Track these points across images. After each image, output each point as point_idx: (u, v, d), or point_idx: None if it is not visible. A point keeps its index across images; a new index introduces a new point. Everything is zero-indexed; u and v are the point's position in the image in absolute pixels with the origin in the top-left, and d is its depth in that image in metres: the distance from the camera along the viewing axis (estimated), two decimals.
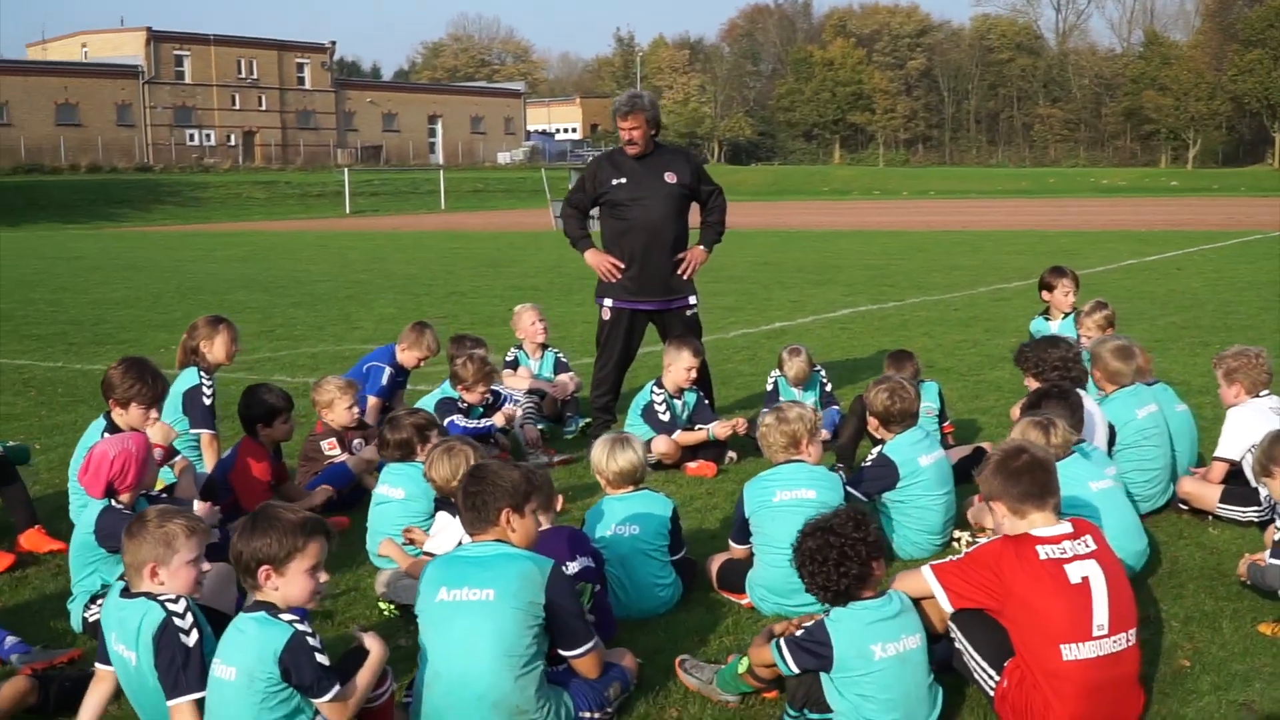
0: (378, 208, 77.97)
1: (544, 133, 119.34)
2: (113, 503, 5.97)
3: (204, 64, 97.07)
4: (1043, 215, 54.46)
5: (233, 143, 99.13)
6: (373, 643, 4.60)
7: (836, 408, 10.00)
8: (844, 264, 29.45)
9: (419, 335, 10.01)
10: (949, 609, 4.88)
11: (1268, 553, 6.01)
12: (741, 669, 5.07)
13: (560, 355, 11.18)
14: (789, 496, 6.19)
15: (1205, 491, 7.57)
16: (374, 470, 8.26)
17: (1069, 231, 41.87)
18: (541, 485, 5.16)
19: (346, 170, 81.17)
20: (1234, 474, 7.59)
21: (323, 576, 4.49)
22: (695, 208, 10.20)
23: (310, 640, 4.31)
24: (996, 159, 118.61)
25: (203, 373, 8.12)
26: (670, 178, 9.56)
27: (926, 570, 4.94)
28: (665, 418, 9.13)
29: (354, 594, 6.66)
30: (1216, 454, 7.69)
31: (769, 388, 10.10)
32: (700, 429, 9.19)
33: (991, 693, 4.85)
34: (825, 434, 9.44)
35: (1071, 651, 4.63)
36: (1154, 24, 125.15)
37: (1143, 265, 26.73)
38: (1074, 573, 4.70)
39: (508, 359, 11.18)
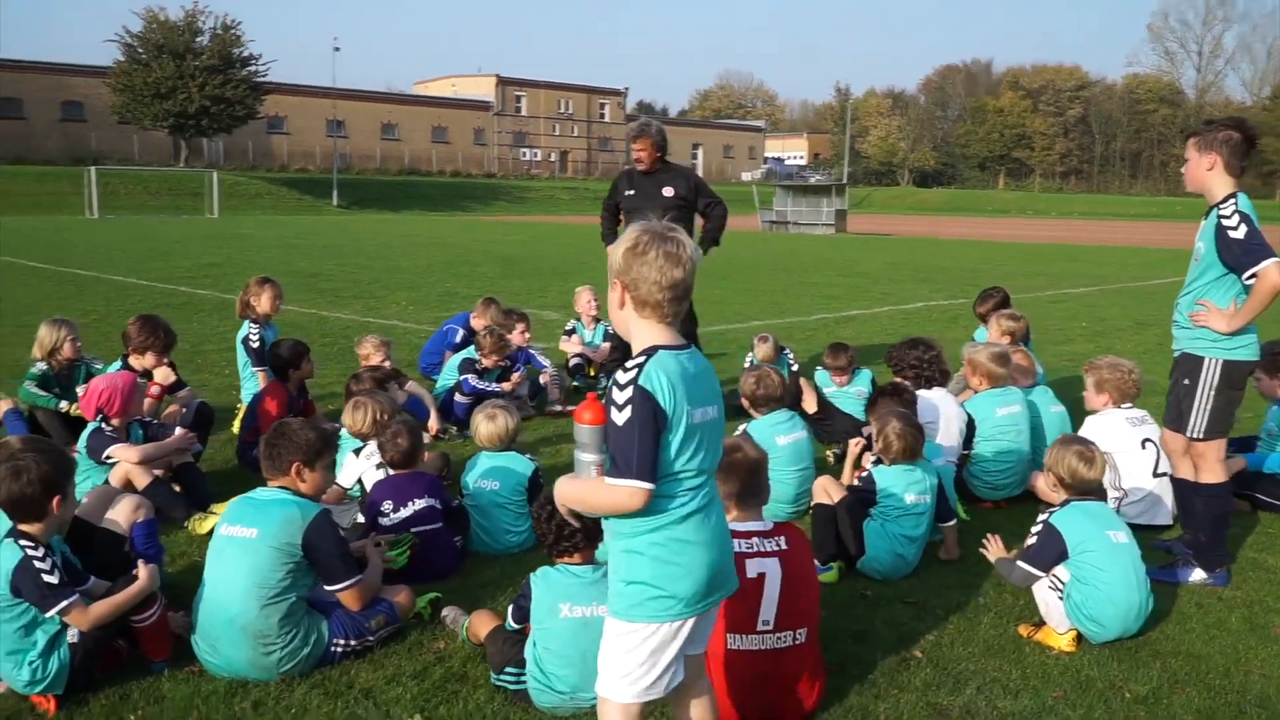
0: None
1: (777, 159, 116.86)
2: (103, 425, 5.59)
3: (535, 102, 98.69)
4: (1153, 235, 49.67)
5: (552, 159, 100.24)
6: (141, 572, 4.01)
7: None
8: (952, 266, 27.35)
9: (485, 307, 9.45)
10: None
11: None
12: (462, 635, 4.32)
13: (609, 327, 10.35)
14: None
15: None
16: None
17: (1161, 248, 37.87)
18: (329, 445, 4.42)
19: None
20: None
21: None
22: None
23: (37, 563, 3.73)
24: (1136, 189, 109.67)
25: (252, 323, 7.66)
26: (668, 191, 8.55)
27: None
28: None
29: None
30: None
31: (745, 365, 9.04)
32: None
33: None
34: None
35: (736, 641, 3.66)
36: None
37: None
38: (751, 568, 3.69)
39: (567, 328, 10.50)
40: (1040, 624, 4.56)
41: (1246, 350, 4.96)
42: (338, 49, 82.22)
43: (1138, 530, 5.85)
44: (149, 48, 64.67)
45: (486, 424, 5.53)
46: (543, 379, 8.88)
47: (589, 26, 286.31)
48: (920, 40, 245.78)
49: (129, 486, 5.44)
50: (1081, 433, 6.16)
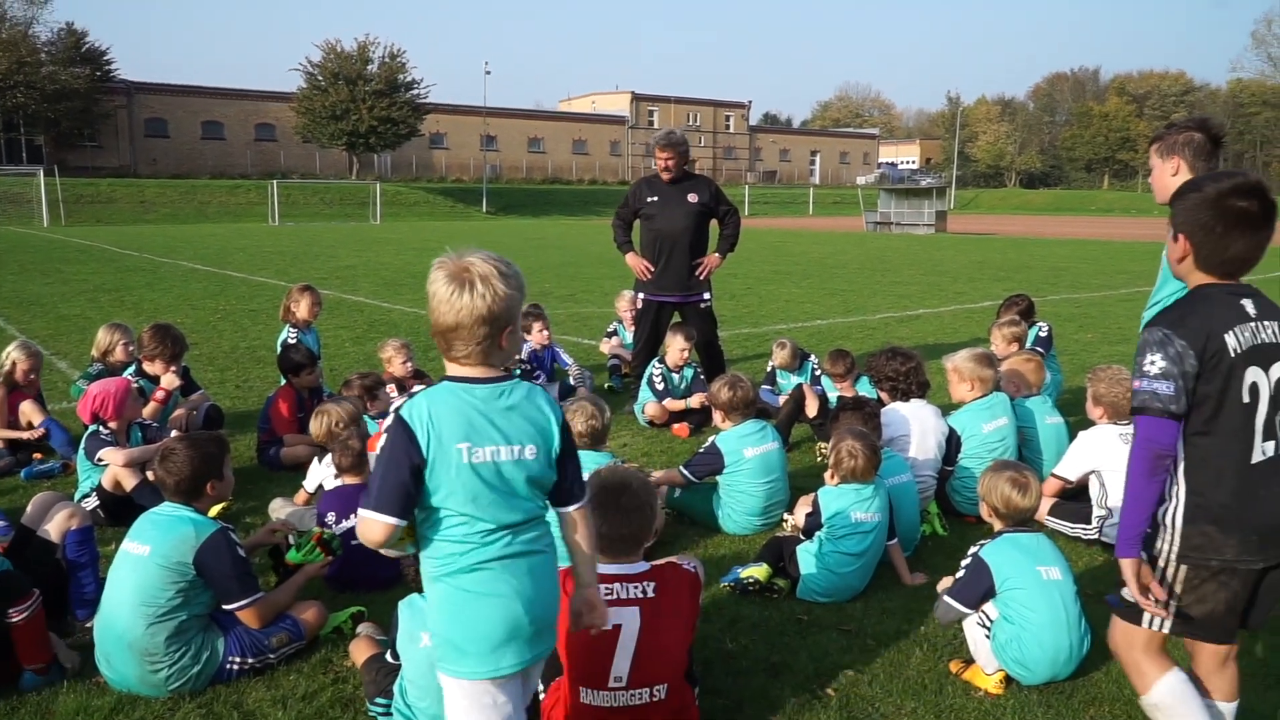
0: (766, 211, 76.37)
1: (891, 164, 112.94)
2: (100, 429, 5.38)
3: (666, 116, 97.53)
4: None
5: None
6: None
7: (820, 387, 8.15)
8: (1036, 264, 25.57)
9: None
10: None
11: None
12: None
13: None
14: None
15: None
16: None
17: None
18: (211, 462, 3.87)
19: (747, 188, 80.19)
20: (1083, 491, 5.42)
21: None
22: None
23: None
24: None
25: (292, 327, 7.44)
26: (692, 198, 7.95)
27: None
28: (660, 386, 7.68)
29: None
30: (1054, 470, 5.48)
31: (769, 368, 8.36)
32: (683, 401, 7.67)
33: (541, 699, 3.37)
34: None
35: (587, 695, 3.10)
36: None
37: None
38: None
39: (608, 329, 9.98)
40: (971, 661, 3.84)
41: None
42: (489, 72, 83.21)
43: None
44: (327, 75, 66.78)
45: None
46: (571, 378, 8.40)
47: (718, 44, 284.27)
48: (1030, 50, 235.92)
49: (118, 488, 5.23)
50: (1073, 446, 5.36)
